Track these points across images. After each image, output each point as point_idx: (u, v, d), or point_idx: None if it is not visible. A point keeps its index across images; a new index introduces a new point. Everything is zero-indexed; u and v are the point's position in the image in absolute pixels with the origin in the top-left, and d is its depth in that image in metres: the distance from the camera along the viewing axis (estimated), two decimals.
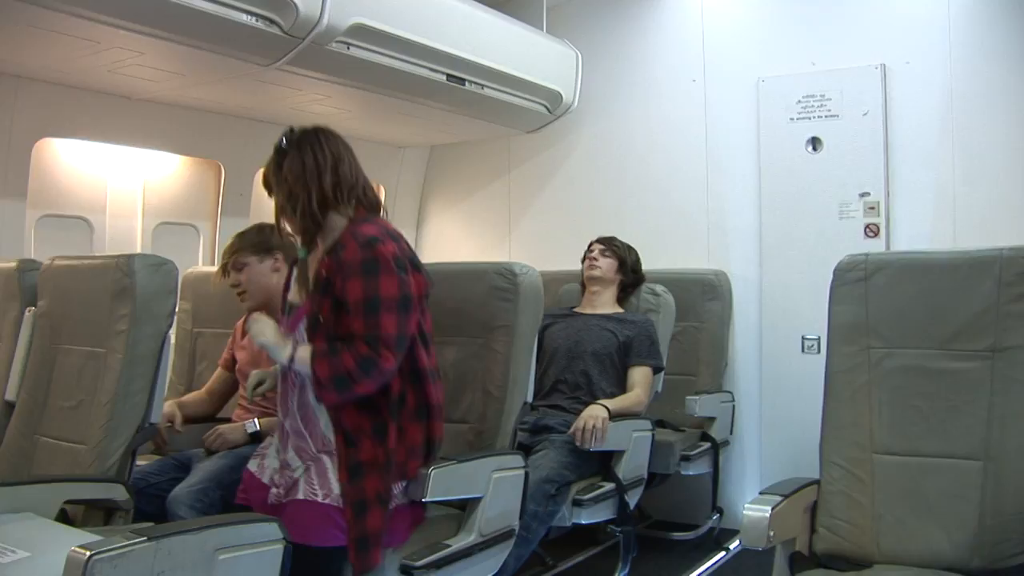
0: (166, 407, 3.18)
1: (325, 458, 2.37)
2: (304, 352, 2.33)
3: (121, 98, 3.99)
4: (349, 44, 3.56)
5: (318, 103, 4.23)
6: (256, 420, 3.14)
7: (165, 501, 2.82)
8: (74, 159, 4.04)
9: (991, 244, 2.27)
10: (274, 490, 2.43)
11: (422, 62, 3.91)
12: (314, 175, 2.37)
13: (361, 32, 3.54)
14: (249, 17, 3.18)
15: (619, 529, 3.60)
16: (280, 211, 2.42)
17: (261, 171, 2.49)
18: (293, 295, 2.56)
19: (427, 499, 2.46)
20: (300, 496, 2.34)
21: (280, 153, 2.41)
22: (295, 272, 2.57)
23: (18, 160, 3.73)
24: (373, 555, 2.29)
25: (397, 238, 2.41)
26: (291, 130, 2.43)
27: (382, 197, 5.45)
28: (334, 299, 2.33)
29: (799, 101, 4.46)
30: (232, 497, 2.61)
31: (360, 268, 2.29)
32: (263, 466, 2.54)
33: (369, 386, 2.29)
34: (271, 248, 3.21)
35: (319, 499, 2.32)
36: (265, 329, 2.38)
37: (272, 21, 3.26)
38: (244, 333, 3.42)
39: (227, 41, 3.28)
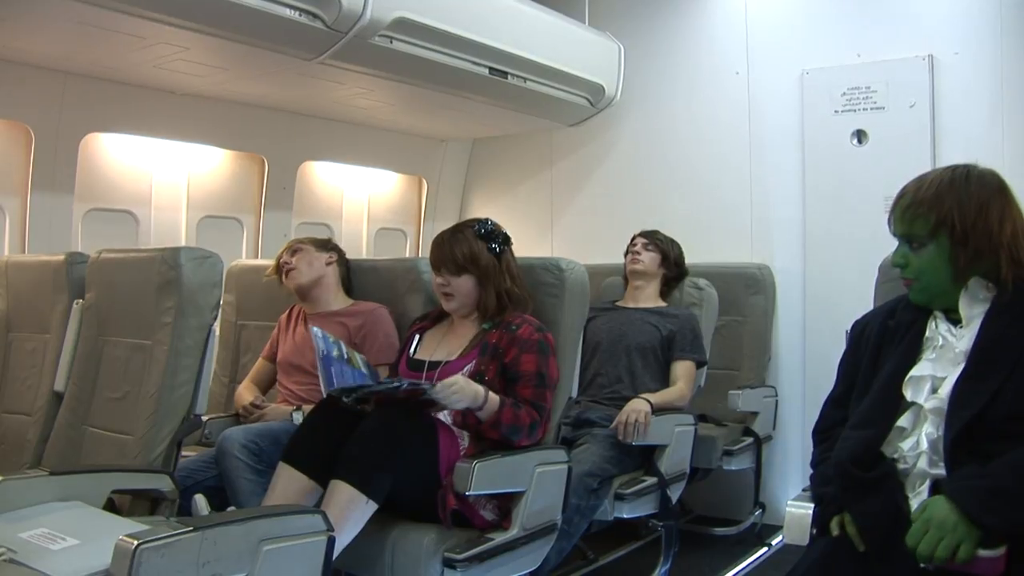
0: (248, 393, 3.44)
1: None
2: (495, 397, 2.63)
3: (166, 93, 4.03)
4: (392, 38, 3.56)
5: (361, 97, 4.25)
6: (302, 408, 3.20)
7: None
8: (120, 153, 4.09)
9: None
10: None
11: (465, 56, 3.91)
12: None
13: (404, 26, 3.55)
14: (292, 12, 3.20)
15: (661, 524, 3.58)
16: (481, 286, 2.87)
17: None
18: (426, 352, 2.93)
19: (471, 492, 2.48)
20: None
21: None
22: (426, 335, 3.00)
23: (66, 155, 3.78)
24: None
25: None
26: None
27: (424, 191, 5.54)
28: (501, 364, 2.73)
29: (844, 93, 4.40)
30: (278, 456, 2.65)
31: (536, 346, 2.74)
32: None
33: (525, 441, 2.69)
34: (331, 247, 3.55)
35: None
36: (463, 392, 2.56)
37: (315, 15, 3.28)
38: (288, 325, 3.49)
39: (271, 36, 3.31)
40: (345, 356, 2.64)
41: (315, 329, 2.66)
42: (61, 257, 3.11)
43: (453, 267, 2.84)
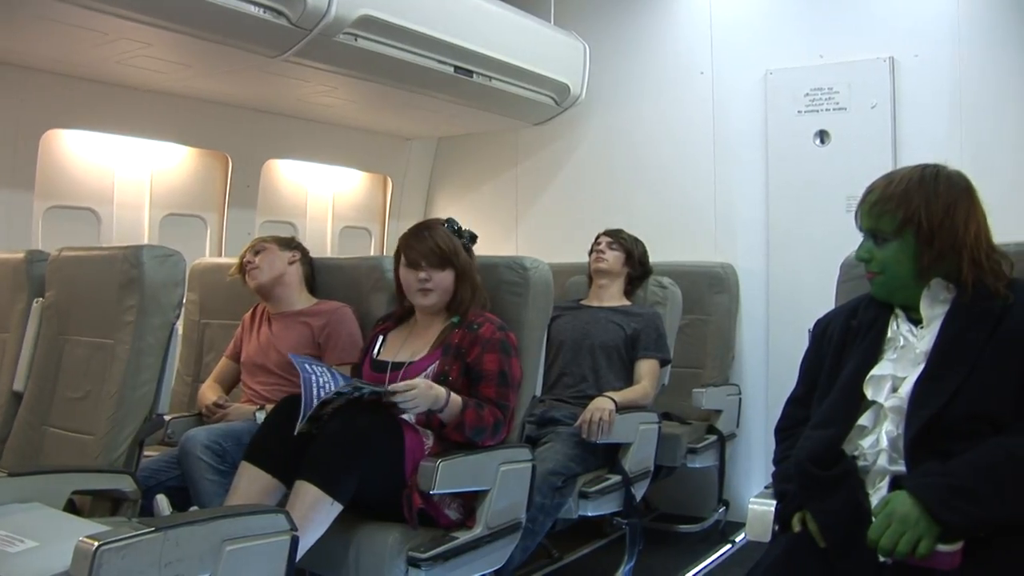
0: (211, 392, 3.41)
1: None
2: (456, 399, 2.63)
3: (129, 89, 3.99)
4: (357, 36, 3.55)
5: (325, 95, 4.23)
6: (265, 407, 3.18)
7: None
8: (81, 150, 4.04)
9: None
10: None
11: (430, 54, 3.90)
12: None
13: (369, 23, 3.54)
14: (257, 8, 3.18)
15: (625, 521, 3.60)
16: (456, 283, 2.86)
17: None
18: (389, 353, 2.90)
19: (435, 491, 2.47)
20: None
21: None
22: (389, 335, 2.97)
23: (26, 151, 3.73)
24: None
25: None
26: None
27: (388, 189, 5.52)
28: (464, 364, 2.73)
29: (807, 94, 4.45)
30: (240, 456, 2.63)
31: (498, 345, 2.73)
32: None
33: (489, 441, 2.70)
34: (294, 246, 3.53)
35: None
36: (422, 396, 2.56)
37: (280, 12, 3.26)
38: (252, 324, 3.47)
39: (235, 32, 3.28)
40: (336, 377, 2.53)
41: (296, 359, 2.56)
42: (21, 255, 3.08)
43: (436, 260, 2.81)
